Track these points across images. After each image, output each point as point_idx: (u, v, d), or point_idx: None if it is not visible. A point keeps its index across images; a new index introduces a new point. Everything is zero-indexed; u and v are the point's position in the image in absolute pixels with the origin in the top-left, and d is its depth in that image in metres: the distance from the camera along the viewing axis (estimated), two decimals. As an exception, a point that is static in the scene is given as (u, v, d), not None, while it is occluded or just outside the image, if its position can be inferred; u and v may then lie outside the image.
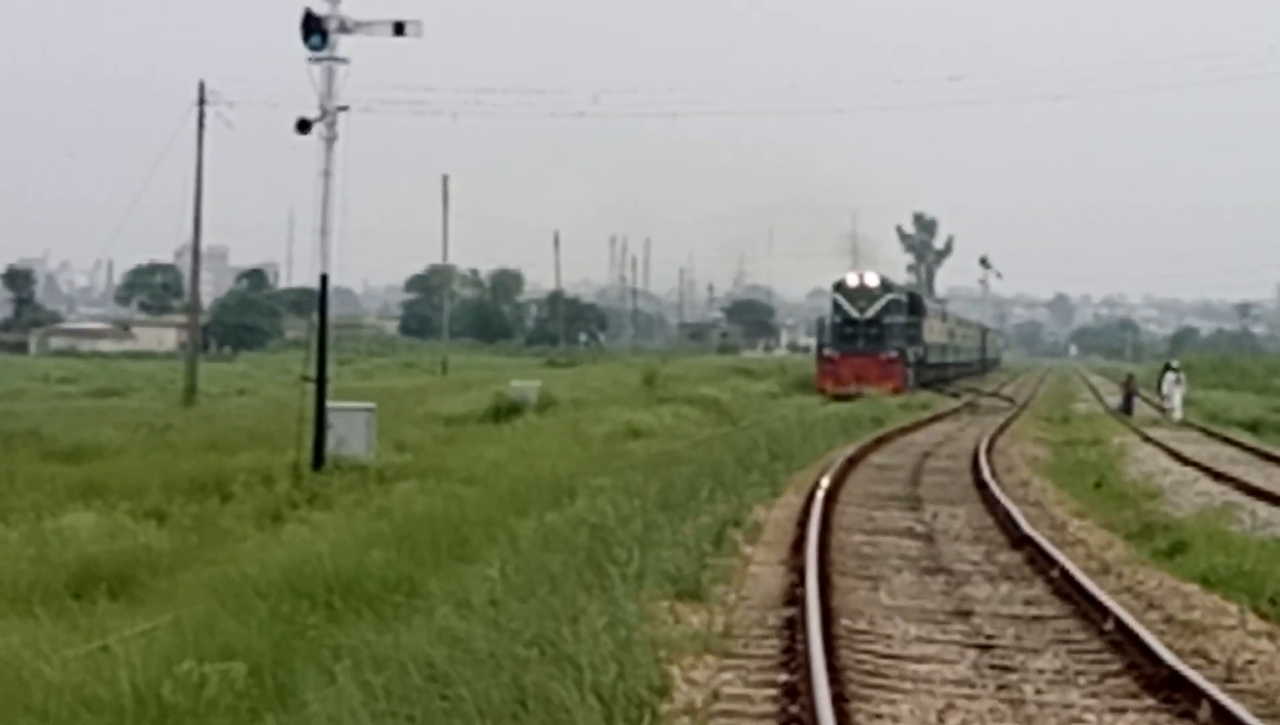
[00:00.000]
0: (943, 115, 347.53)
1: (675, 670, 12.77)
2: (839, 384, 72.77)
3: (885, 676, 13.58)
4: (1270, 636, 16.48)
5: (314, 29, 37.38)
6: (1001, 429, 50.74)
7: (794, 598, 16.34)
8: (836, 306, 79.26)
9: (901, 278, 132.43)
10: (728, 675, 12.99)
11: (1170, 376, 58.74)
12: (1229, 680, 13.92)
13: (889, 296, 78.83)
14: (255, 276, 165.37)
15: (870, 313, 77.05)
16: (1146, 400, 62.54)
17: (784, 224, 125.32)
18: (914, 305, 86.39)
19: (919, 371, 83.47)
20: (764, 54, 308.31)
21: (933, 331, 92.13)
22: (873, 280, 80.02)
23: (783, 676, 12.91)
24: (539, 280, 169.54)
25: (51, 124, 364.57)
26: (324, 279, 40.08)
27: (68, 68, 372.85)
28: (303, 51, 37.51)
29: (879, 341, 76.46)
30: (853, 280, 79.96)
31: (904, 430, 49.32)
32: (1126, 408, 59.45)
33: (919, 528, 24.74)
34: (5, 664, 14.28)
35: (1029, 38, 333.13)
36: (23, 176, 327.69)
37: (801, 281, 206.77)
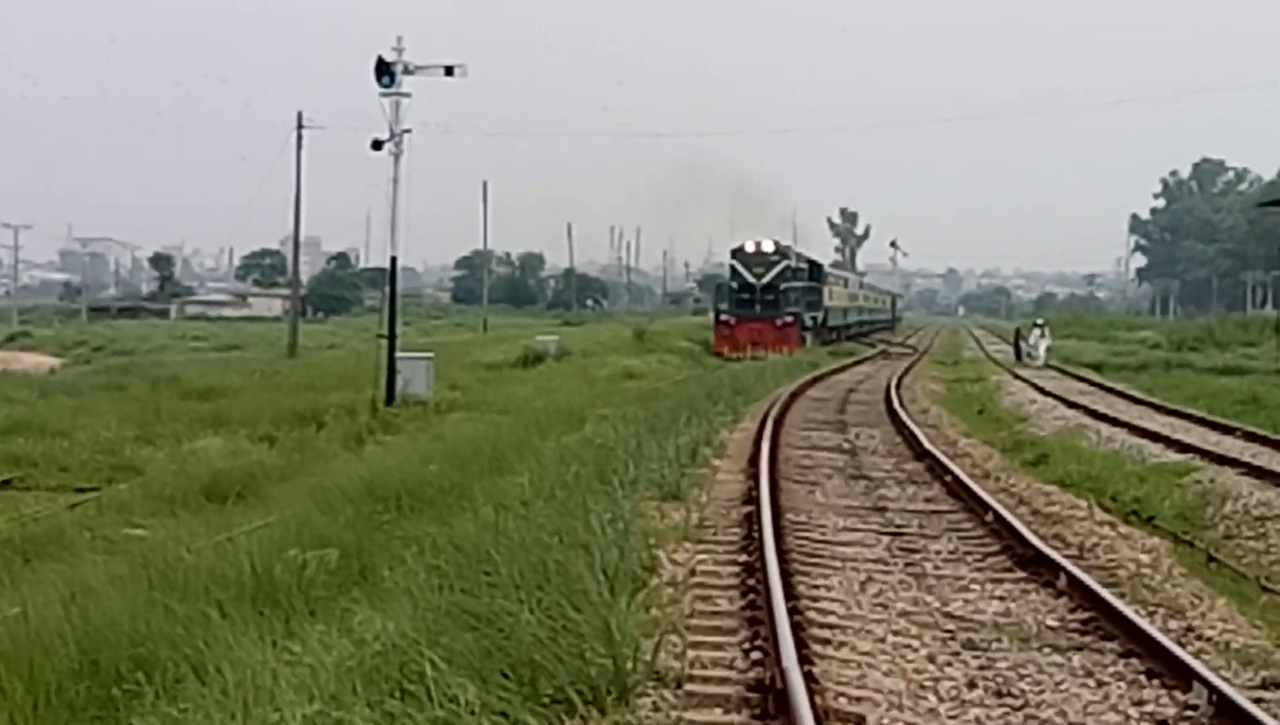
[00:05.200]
0: (863, 135, 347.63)
1: (662, 553, 12.77)
2: (735, 348, 59.26)
3: (821, 557, 13.60)
4: (1112, 525, 16.52)
5: (384, 71, 37.85)
6: (907, 371, 50.68)
7: (751, 498, 16.30)
8: (734, 272, 64.58)
9: (830, 258, 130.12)
10: (702, 557, 13.00)
11: (1037, 331, 58.67)
12: (1080, 558, 13.96)
13: (785, 263, 63.91)
14: (341, 258, 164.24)
15: (767, 278, 62.44)
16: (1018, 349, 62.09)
17: (742, 217, 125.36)
18: (814, 272, 71.54)
19: (819, 333, 69.61)
20: (727, 89, 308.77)
21: (834, 296, 77.98)
22: (768, 246, 64.39)
23: (743, 557, 12.91)
24: (556, 260, 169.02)
25: (188, 144, 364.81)
26: (393, 261, 40.65)
27: (198, 102, 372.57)
28: (375, 88, 37.91)
29: (775, 306, 61.89)
30: (750, 246, 64.36)
31: (833, 372, 49.23)
32: (1017, 354, 58.77)
33: (845, 445, 24.73)
34: (155, 551, 14.31)
35: (926, 76, 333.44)
36: (165, 184, 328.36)
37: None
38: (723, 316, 63.69)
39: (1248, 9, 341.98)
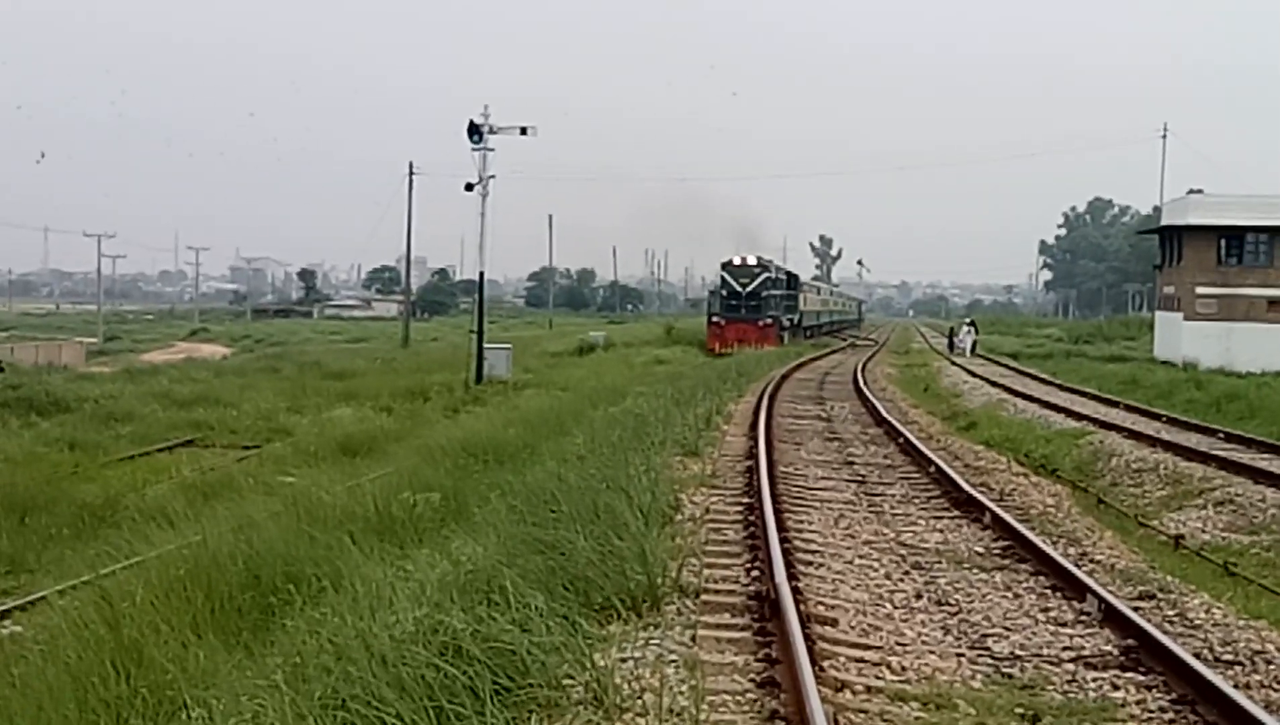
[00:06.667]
0: (838, 180, 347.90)
1: (684, 496, 12.77)
2: (725, 345, 54.25)
3: (804, 499, 13.56)
4: (1025, 476, 16.46)
5: (474, 131, 38.23)
6: (870, 358, 50.44)
7: (751, 454, 16.28)
8: (723, 281, 59.08)
9: (811, 273, 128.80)
10: (714, 499, 12.98)
11: (965, 327, 58.34)
12: (1001, 500, 13.89)
13: (766, 274, 58.55)
14: (442, 273, 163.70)
15: (750, 287, 57.47)
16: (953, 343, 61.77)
17: (747, 241, 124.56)
18: (791, 282, 66.70)
19: (795, 332, 65.03)
20: (739, 146, 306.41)
21: (809, 302, 73.17)
22: (752, 260, 59.18)
23: (746, 499, 12.89)
24: (604, 274, 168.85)
25: (328, 187, 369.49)
26: (481, 275, 40.87)
27: (336, 154, 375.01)
28: (468, 144, 38.17)
29: (757, 310, 57.10)
30: (736, 260, 59.10)
31: (813, 359, 48.96)
32: (950, 346, 58.40)
33: (823, 414, 24.63)
34: (302, 493, 14.35)
35: (886, 135, 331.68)
36: (310, 217, 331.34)
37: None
38: (714, 319, 58.56)
39: (1126, 78, 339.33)
